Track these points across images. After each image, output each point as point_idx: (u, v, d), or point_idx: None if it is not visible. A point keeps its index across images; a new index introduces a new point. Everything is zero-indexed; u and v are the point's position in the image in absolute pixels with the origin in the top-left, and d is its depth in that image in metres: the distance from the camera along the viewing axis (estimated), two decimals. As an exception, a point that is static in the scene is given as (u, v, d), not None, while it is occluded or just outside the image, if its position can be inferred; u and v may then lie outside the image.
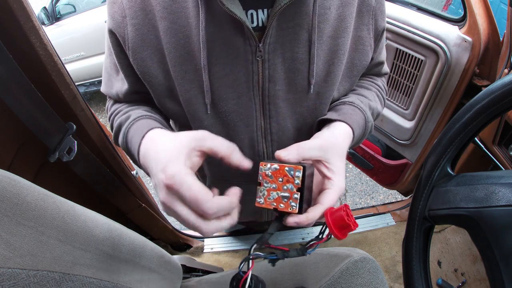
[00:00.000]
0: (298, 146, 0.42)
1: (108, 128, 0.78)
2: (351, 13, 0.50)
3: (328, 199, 0.42)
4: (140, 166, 0.47)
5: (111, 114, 0.60)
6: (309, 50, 0.49)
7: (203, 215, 0.35)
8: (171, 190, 0.34)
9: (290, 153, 0.41)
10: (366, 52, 0.55)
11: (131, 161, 0.54)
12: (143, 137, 0.45)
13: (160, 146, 0.40)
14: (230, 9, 0.42)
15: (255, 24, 0.48)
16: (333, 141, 0.46)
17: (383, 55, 0.64)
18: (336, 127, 0.50)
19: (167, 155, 0.37)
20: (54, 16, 3.23)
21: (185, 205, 0.35)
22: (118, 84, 0.57)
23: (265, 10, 0.47)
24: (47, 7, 3.19)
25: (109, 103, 0.64)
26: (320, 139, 0.47)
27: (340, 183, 0.43)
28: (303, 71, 0.50)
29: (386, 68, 0.69)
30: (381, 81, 0.69)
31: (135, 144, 0.46)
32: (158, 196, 0.37)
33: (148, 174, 0.44)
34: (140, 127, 0.48)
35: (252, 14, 0.47)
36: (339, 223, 0.38)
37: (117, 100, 0.61)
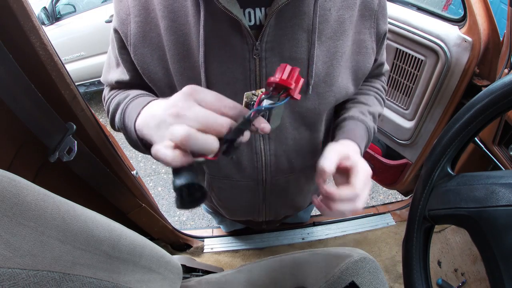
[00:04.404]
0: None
1: (109, 128, 0.78)
2: (350, 16, 0.51)
3: (356, 179, 0.46)
4: (136, 139, 0.46)
5: (108, 98, 0.60)
6: (308, 50, 0.49)
7: (222, 112, 0.34)
8: (191, 95, 0.34)
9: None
10: (369, 55, 0.56)
11: (137, 151, 0.52)
12: (143, 107, 0.44)
13: (162, 101, 0.40)
14: (227, 8, 0.42)
15: (252, 22, 0.48)
16: (345, 145, 0.53)
17: (383, 56, 0.65)
18: (343, 142, 0.55)
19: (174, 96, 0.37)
20: (54, 16, 3.23)
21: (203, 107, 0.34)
22: (115, 74, 0.58)
23: (263, 9, 0.47)
24: (47, 7, 3.18)
25: (106, 90, 0.64)
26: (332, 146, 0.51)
27: (364, 165, 0.48)
28: (302, 71, 0.50)
29: (386, 67, 0.70)
30: (380, 83, 0.70)
31: (134, 114, 0.45)
32: (170, 110, 0.35)
33: (145, 139, 0.42)
34: (140, 102, 0.47)
35: (249, 13, 0.47)
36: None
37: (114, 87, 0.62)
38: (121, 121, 0.51)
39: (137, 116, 0.44)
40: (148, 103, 0.45)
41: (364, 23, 0.53)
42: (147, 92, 0.56)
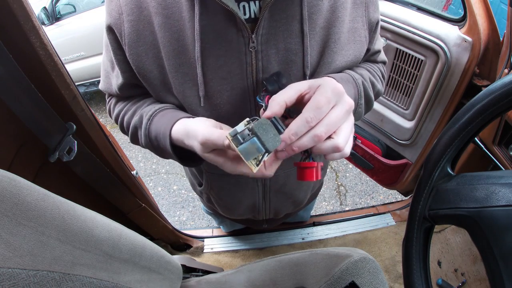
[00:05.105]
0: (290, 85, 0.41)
1: (109, 128, 0.78)
2: (342, 3, 0.51)
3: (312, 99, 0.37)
4: (173, 156, 0.51)
5: (118, 115, 0.61)
6: (302, 41, 0.49)
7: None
8: (206, 145, 0.41)
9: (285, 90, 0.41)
10: (362, 43, 0.56)
11: (160, 158, 0.53)
12: (170, 135, 0.48)
13: (188, 136, 0.46)
14: (223, 1, 0.43)
15: (247, 16, 0.48)
16: (319, 79, 0.42)
17: (378, 44, 0.64)
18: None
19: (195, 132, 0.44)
20: (54, 16, 3.23)
21: (219, 154, 0.42)
22: (113, 81, 0.58)
23: (257, 2, 0.47)
24: (47, 7, 3.19)
25: (110, 102, 0.65)
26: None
27: (329, 81, 0.40)
28: (298, 62, 0.50)
29: (382, 56, 0.68)
30: (376, 65, 0.67)
31: (164, 141, 0.49)
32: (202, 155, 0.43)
33: (186, 150, 0.49)
34: (161, 125, 0.50)
35: (244, 6, 0.48)
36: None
37: (116, 96, 0.62)
38: (149, 144, 0.54)
39: (173, 149, 0.49)
40: (171, 141, 0.48)
41: (357, 10, 0.53)
42: (151, 104, 0.56)
